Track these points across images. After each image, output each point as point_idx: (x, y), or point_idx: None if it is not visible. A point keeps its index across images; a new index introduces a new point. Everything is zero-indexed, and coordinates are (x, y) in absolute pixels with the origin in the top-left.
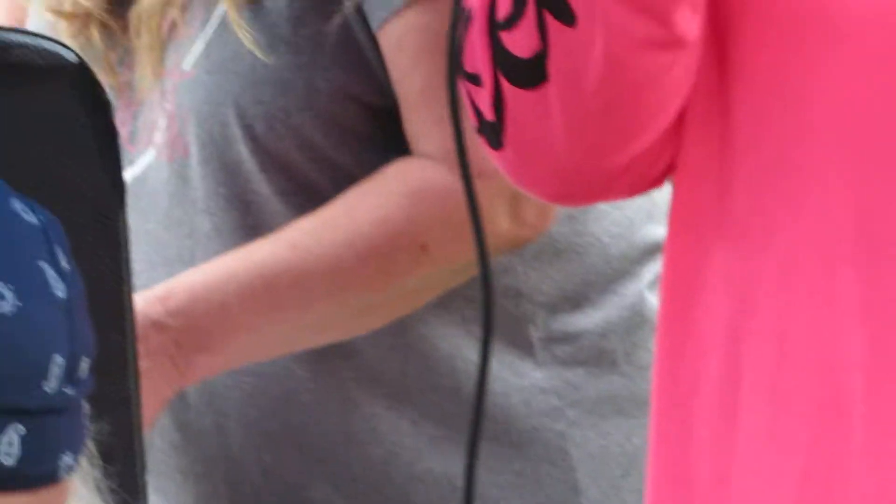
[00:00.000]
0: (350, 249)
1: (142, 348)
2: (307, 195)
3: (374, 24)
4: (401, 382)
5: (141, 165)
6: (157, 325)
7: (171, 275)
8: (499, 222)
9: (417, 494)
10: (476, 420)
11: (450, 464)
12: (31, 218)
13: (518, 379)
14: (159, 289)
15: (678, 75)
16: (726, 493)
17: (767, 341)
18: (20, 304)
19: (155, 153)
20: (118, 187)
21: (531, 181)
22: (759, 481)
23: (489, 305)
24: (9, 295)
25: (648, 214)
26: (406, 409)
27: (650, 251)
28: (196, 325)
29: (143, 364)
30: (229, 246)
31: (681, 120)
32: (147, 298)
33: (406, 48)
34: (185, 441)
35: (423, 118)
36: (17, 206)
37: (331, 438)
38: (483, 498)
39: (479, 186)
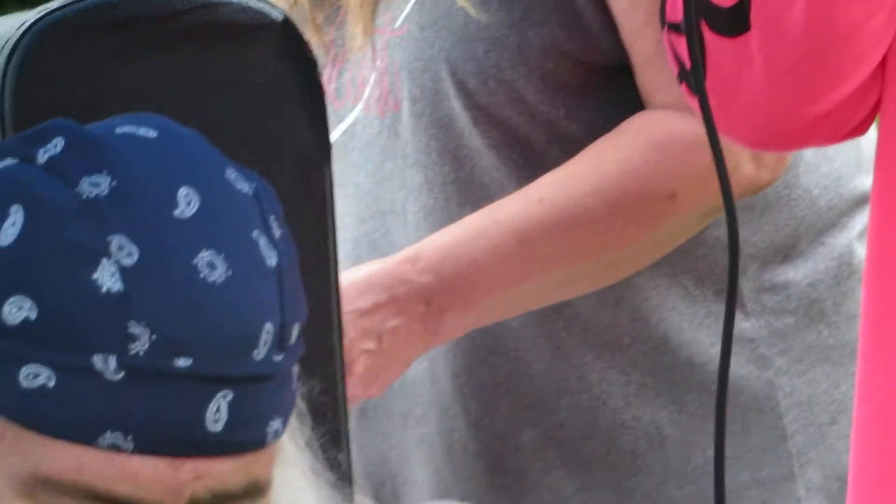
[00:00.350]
0: (599, 201)
1: (392, 308)
2: (520, 149)
3: None
4: (611, 332)
5: (349, 121)
6: (407, 285)
7: (382, 227)
8: (743, 167)
9: (624, 441)
10: (723, 375)
11: (656, 411)
12: (244, 187)
13: None
14: (408, 250)
15: (880, 23)
16: None
17: None
18: (231, 273)
19: (364, 109)
20: (323, 143)
21: (730, 127)
22: None
23: (735, 255)
24: (220, 265)
25: (857, 165)
26: (615, 359)
27: (859, 202)
28: (447, 283)
29: (392, 324)
30: (441, 199)
31: (883, 68)
32: (396, 259)
33: (639, 5)
34: (402, 386)
35: (659, 72)
36: (232, 175)
37: (539, 387)
38: (691, 445)
39: None
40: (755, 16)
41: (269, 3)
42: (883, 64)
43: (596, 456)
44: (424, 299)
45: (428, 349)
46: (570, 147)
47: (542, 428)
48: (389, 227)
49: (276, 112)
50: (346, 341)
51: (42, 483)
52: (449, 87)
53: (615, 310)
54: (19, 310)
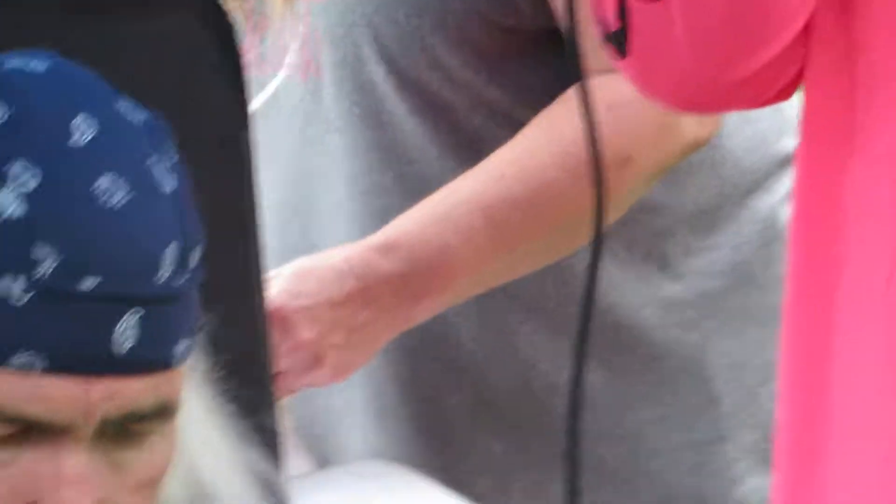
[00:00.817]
0: (559, 170)
1: (361, 300)
2: (442, 114)
3: None
4: (538, 296)
5: (271, 88)
6: (378, 275)
7: (304, 194)
8: (687, 123)
9: (556, 404)
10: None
11: (589, 375)
12: (137, 116)
13: (654, 291)
14: (377, 239)
15: None
16: (855, 398)
17: (887, 247)
18: (130, 198)
19: (286, 75)
20: (242, 109)
21: (655, 90)
22: (887, 384)
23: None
24: (120, 189)
25: (781, 128)
26: (542, 322)
27: (782, 164)
28: (418, 271)
29: (362, 317)
30: (363, 164)
31: (807, 31)
32: (365, 246)
33: None
34: None
35: (592, 37)
36: (123, 106)
37: (467, 351)
38: (622, 407)
39: None
40: None
41: None
42: (806, 29)
43: (527, 419)
44: (395, 289)
45: (393, 337)
46: (492, 113)
47: (472, 392)
48: (313, 192)
49: (194, 78)
50: (315, 334)
51: None
52: (371, 53)
53: (542, 273)
54: None
